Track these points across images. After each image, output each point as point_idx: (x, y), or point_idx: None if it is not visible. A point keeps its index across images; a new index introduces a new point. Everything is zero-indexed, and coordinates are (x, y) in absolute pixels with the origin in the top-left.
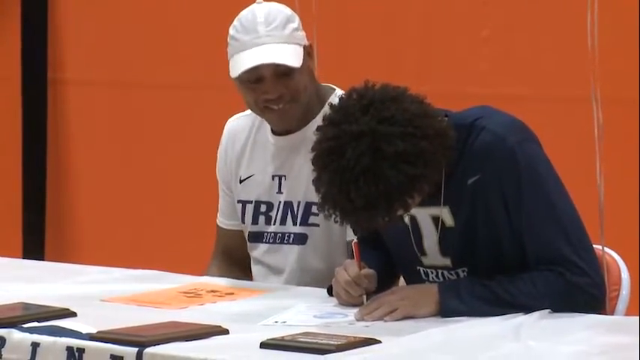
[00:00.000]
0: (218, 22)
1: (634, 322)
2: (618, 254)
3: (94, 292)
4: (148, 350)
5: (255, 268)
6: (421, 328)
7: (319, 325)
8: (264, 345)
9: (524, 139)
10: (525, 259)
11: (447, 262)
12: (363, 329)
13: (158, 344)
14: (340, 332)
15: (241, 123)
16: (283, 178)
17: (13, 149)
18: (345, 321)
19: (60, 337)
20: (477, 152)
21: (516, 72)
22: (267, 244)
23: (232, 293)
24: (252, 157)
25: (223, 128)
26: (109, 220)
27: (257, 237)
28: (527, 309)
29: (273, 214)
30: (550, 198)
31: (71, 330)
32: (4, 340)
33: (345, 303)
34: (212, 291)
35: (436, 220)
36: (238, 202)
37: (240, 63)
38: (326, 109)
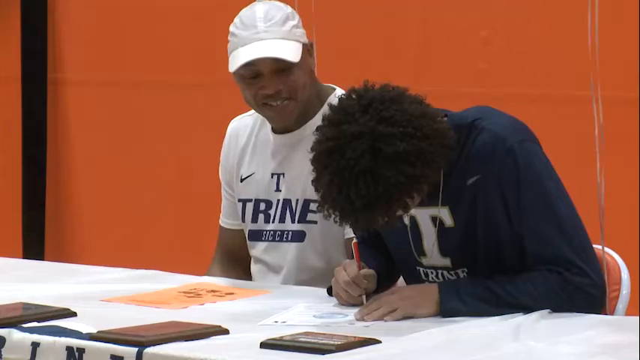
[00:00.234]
0: (218, 21)
1: (634, 322)
2: (618, 254)
3: (94, 292)
4: (148, 350)
5: (254, 267)
6: (421, 328)
7: (319, 325)
8: (264, 345)
9: (523, 140)
10: (525, 259)
11: (447, 262)
12: (363, 329)
13: (158, 344)
14: (340, 332)
15: (244, 123)
16: (282, 176)
17: (13, 149)
18: (345, 321)
19: (60, 337)
20: (477, 152)
21: (516, 72)
22: (266, 242)
23: (232, 293)
24: (254, 155)
25: (224, 128)
26: (109, 220)
27: (256, 235)
28: (527, 309)
29: (272, 212)
30: (550, 198)
31: (71, 330)
32: (4, 340)
33: (345, 303)
34: (212, 291)
35: (436, 220)
36: (239, 200)
37: (238, 58)
38: (325, 109)
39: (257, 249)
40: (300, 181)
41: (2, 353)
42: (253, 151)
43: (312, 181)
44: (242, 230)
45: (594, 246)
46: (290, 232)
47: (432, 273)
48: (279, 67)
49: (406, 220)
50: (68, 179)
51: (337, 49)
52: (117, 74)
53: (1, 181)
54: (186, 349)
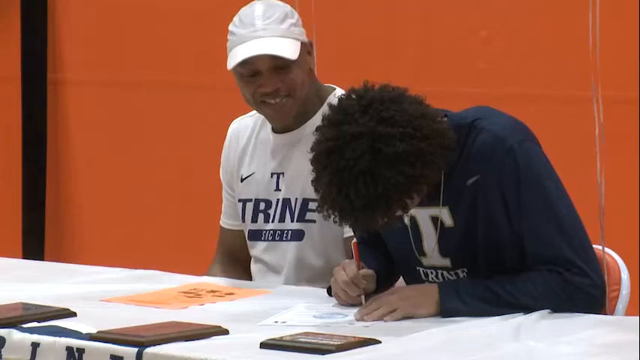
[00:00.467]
0: (219, 21)
1: (634, 322)
2: (618, 254)
3: (94, 292)
4: (148, 350)
5: (254, 267)
6: (421, 328)
7: (319, 325)
8: (264, 345)
9: (523, 140)
10: (525, 259)
11: (447, 262)
12: (362, 329)
13: (158, 344)
14: (340, 332)
15: (244, 124)
16: (281, 176)
17: (13, 149)
18: (344, 321)
19: (60, 337)
20: (477, 153)
21: (516, 72)
22: (265, 242)
23: (232, 293)
24: (254, 155)
25: (224, 128)
26: (109, 221)
27: (256, 235)
28: (527, 309)
29: (271, 211)
30: (549, 198)
31: (71, 330)
32: (4, 340)
33: (344, 303)
34: (212, 291)
35: (436, 220)
36: (239, 200)
37: (236, 55)
38: (325, 108)
39: (257, 249)
40: (300, 181)
41: (2, 353)
42: (253, 151)
43: (312, 181)
44: (242, 231)
45: (594, 246)
46: (289, 232)
47: (431, 273)
48: (278, 64)
49: (406, 221)
50: (68, 179)
51: (337, 49)
52: (117, 74)
53: (0, 180)
54: (187, 350)
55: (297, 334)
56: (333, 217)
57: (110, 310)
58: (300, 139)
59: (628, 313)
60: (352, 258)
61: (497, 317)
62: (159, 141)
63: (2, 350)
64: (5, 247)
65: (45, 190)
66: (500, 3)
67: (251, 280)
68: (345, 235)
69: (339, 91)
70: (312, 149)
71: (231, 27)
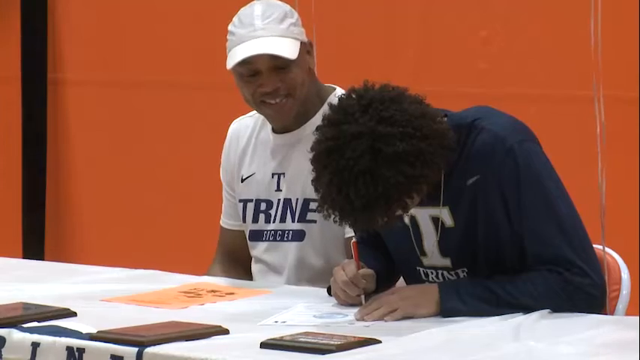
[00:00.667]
0: (218, 21)
1: (634, 322)
2: (618, 254)
3: (94, 292)
4: (148, 350)
5: (255, 267)
6: (421, 328)
7: (319, 325)
8: (264, 345)
9: (523, 140)
10: (525, 259)
11: (447, 262)
12: (363, 329)
13: (158, 344)
14: (340, 332)
15: (244, 124)
16: (282, 176)
17: (13, 149)
18: (344, 321)
19: (60, 337)
20: (477, 152)
21: (516, 72)
22: (266, 242)
23: (232, 293)
24: (254, 156)
25: (224, 128)
26: (109, 221)
27: (257, 235)
28: (527, 309)
29: (272, 212)
30: (550, 198)
31: (71, 330)
32: (4, 340)
33: (343, 303)
34: (212, 291)
35: (436, 220)
36: (240, 201)
37: (236, 55)
38: (325, 108)
39: (258, 249)
40: (300, 181)
41: (2, 353)
42: (254, 152)
43: (312, 180)
44: (243, 231)
45: (595, 246)
46: (290, 232)
47: (432, 273)
48: (277, 64)
49: (406, 220)
50: (68, 179)
51: (337, 49)
52: (117, 74)
53: (1, 180)
54: (187, 349)
55: (298, 334)
56: (333, 216)
57: (110, 309)
58: (301, 139)
59: (628, 313)
60: (352, 258)
61: (497, 317)
62: (159, 141)
63: (2, 350)
64: (5, 247)
65: (45, 190)
66: (500, 3)
67: (252, 280)
68: (346, 236)
69: (340, 91)
70: (312, 149)
71: (230, 27)
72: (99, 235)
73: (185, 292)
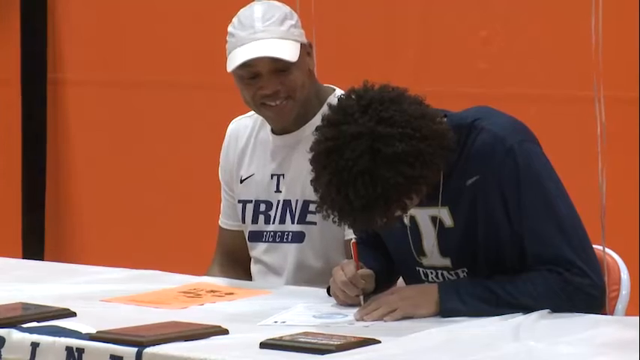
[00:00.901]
0: (219, 21)
1: (634, 323)
2: (618, 254)
3: (94, 292)
4: (148, 350)
5: (254, 268)
6: (421, 328)
7: (319, 326)
8: (263, 345)
9: (523, 140)
10: (525, 259)
11: (447, 262)
12: (362, 329)
13: (158, 344)
14: (340, 332)
15: (243, 124)
16: (282, 177)
17: (13, 149)
18: (344, 321)
19: (59, 337)
20: (477, 153)
21: (516, 72)
22: (266, 244)
23: (232, 293)
24: (253, 157)
25: (224, 128)
26: (109, 220)
27: (257, 236)
28: (527, 309)
29: (272, 213)
30: (549, 198)
31: (71, 330)
32: (4, 340)
33: (343, 303)
34: (212, 291)
35: (435, 220)
36: (239, 201)
37: (236, 58)
38: (325, 109)
39: (257, 250)
40: (300, 182)
41: (2, 353)
42: (253, 152)
43: (311, 181)
44: (242, 231)
45: (595, 246)
46: (290, 233)
47: (431, 273)
48: (277, 67)
49: (406, 221)
50: (68, 179)
51: (337, 49)
52: (117, 74)
53: (1, 181)
54: (186, 349)
55: (297, 334)
56: (332, 217)
57: (110, 310)
58: (300, 140)
59: (628, 313)
60: (352, 259)
61: (497, 317)
62: (159, 141)
63: (2, 350)
64: (5, 247)
65: (45, 190)
66: (500, 3)
67: (251, 280)
68: (346, 238)
69: (339, 92)
70: (311, 149)
71: (230, 28)
72: (99, 235)
73: (185, 293)
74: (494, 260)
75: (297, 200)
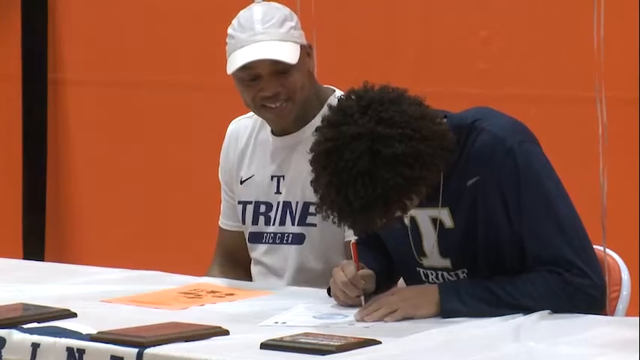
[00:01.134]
0: (219, 21)
1: (634, 323)
2: (618, 255)
3: (94, 293)
4: (148, 351)
5: (254, 269)
6: (421, 328)
7: (319, 326)
8: (264, 346)
9: (523, 141)
10: (525, 259)
11: (447, 263)
12: (363, 330)
13: (158, 345)
14: (340, 333)
15: (243, 124)
16: (282, 179)
17: (13, 149)
18: (344, 322)
19: (60, 337)
20: (477, 153)
21: (516, 72)
22: (266, 245)
23: (233, 294)
24: (253, 157)
25: (224, 128)
26: (109, 221)
27: (257, 237)
28: (527, 310)
29: (272, 214)
30: (550, 199)
31: (71, 331)
32: (4, 340)
33: (343, 304)
34: (212, 292)
35: (436, 221)
36: (239, 202)
37: (236, 60)
38: (325, 110)
39: (257, 251)
40: (300, 184)
41: (2, 354)
42: (253, 153)
43: (311, 181)
44: (242, 232)
45: (595, 247)
46: (290, 235)
47: (432, 274)
48: (277, 69)
49: (406, 221)
50: (68, 179)
51: (337, 50)
52: (117, 74)
53: (1, 181)
54: (187, 350)
55: (298, 335)
56: (331, 217)
57: (110, 310)
58: (300, 141)
59: (628, 313)
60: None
61: (497, 318)
62: (159, 141)
63: (2, 351)
64: (6, 247)
65: (45, 191)
66: (500, 3)
67: (251, 281)
68: (346, 239)
69: (339, 93)
70: (311, 150)
71: (230, 30)
72: (99, 235)
73: (185, 293)
74: (494, 261)
75: (297, 202)
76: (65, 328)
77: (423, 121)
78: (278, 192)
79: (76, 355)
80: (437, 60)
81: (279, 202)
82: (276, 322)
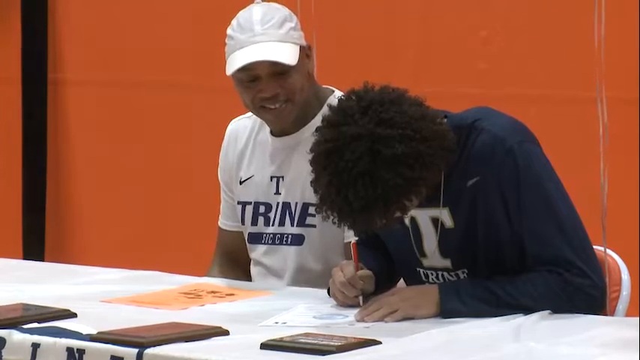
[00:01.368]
0: (218, 22)
1: (634, 323)
2: (619, 255)
3: (94, 293)
4: (148, 351)
5: (254, 269)
6: (421, 329)
7: (319, 326)
8: (264, 346)
9: (523, 140)
10: (525, 260)
11: (447, 263)
12: (363, 330)
13: (158, 345)
14: (340, 333)
15: (242, 125)
16: (281, 179)
17: (13, 149)
18: (345, 322)
19: (60, 337)
20: (477, 154)
21: (516, 72)
22: (265, 245)
23: (233, 294)
24: (252, 158)
25: (224, 129)
26: (109, 221)
27: (256, 238)
28: (527, 310)
29: (271, 215)
30: (550, 199)
31: (71, 331)
32: (5, 340)
33: (342, 304)
34: (212, 292)
35: (436, 221)
36: (238, 203)
37: (235, 61)
38: (325, 111)
39: (257, 252)
40: (300, 184)
41: (2, 354)
42: (252, 154)
43: (311, 182)
44: (241, 232)
45: (596, 247)
46: (290, 236)
47: (432, 274)
48: (277, 70)
49: (406, 222)
50: (68, 180)
51: (337, 50)
52: (117, 74)
53: (1, 181)
54: (187, 350)
55: (298, 335)
56: (331, 218)
57: (110, 310)
58: (300, 142)
59: (628, 314)
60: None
61: (497, 318)
62: (159, 141)
63: (3, 351)
64: (6, 247)
65: (45, 191)
66: (500, 3)
67: (251, 281)
68: (346, 240)
69: (338, 93)
70: (311, 150)
71: (229, 31)
72: (99, 235)
73: (185, 293)
74: (494, 261)
75: (296, 203)
76: (65, 329)
77: (424, 122)
78: (277, 193)
79: (76, 355)
80: (437, 60)
81: (278, 203)
82: (277, 323)
